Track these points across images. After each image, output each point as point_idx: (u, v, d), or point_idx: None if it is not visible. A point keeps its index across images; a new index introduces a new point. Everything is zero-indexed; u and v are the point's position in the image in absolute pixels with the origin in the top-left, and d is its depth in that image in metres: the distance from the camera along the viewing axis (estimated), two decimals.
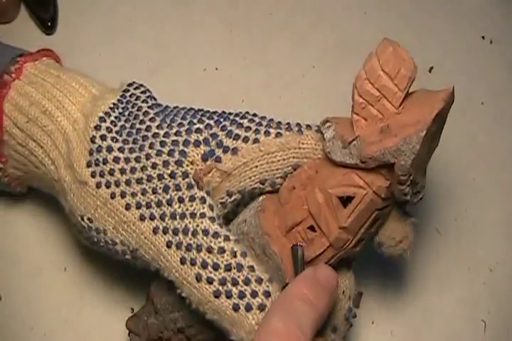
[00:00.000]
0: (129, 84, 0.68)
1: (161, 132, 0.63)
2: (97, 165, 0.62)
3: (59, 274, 0.77)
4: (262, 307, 0.57)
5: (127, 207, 0.61)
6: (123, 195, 0.61)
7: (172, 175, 0.61)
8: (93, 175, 0.62)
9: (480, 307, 0.80)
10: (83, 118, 0.65)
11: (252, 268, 0.58)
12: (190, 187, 0.61)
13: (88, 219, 0.63)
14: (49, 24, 0.89)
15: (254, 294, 0.57)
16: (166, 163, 0.61)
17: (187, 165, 0.61)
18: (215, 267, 0.58)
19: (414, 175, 0.57)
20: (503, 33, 0.95)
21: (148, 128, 0.63)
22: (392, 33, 0.94)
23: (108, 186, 0.62)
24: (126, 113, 0.65)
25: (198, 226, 0.59)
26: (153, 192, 0.61)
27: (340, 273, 0.63)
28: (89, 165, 0.62)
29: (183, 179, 0.61)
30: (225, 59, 0.90)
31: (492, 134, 0.89)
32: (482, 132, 0.89)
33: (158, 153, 0.62)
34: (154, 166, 0.61)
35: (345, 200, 0.58)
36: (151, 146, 0.62)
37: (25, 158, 0.67)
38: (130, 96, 0.67)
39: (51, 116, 0.65)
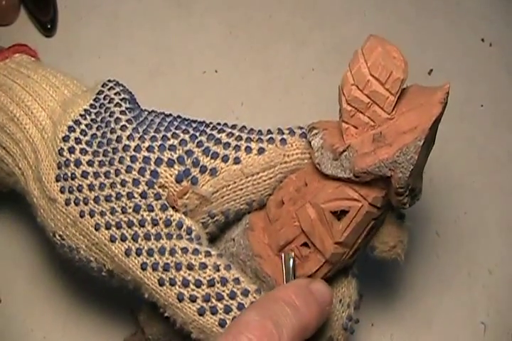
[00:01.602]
0: (103, 85, 0.63)
1: (132, 144, 0.58)
2: (65, 179, 0.58)
3: (58, 276, 0.77)
4: None
5: (96, 227, 0.57)
6: (92, 213, 0.57)
7: (143, 195, 0.57)
8: (62, 190, 0.58)
9: (479, 309, 0.80)
10: (52, 126, 0.61)
11: (237, 281, 0.55)
12: (164, 208, 0.57)
13: (60, 236, 0.59)
14: (49, 26, 0.89)
15: (240, 307, 0.54)
16: (136, 182, 0.57)
17: (159, 187, 0.57)
18: (198, 284, 0.55)
19: (412, 184, 0.54)
20: (502, 35, 0.96)
21: (118, 139, 0.58)
22: (391, 36, 0.94)
23: (77, 203, 0.57)
24: (99, 119, 0.60)
25: (175, 245, 0.56)
26: (123, 212, 0.56)
27: (337, 281, 0.61)
28: (57, 179, 0.58)
29: (156, 200, 0.57)
30: (225, 61, 0.90)
31: (491, 137, 0.90)
32: (481, 135, 0.89)
33: (128, 170, 0.57)
34: (123, 183, 0.57)
35: (339, 213, 0.55)
36: (120, 161, 0.57)
37: None
38: (104, 98, 0.61)
39: (19, 123, 0.61)
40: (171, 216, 0.56)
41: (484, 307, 0.80)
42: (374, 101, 0.53)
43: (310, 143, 0.56)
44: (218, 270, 0.55)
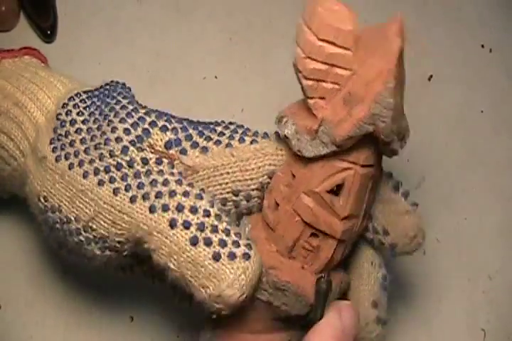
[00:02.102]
0: (111, 81, 0.65)
1: (131, 107, 0.60)
2: (59, 140, 0.59)
3: (59, 282, 0.77)
4: (247, 257, 0.52)
5: (85, 174, 0.57)
6: (81, 163, 0.57)
7: (132, 143, 0.57)
8: (54, 150, 0.59)
9: (479, 315, 0.80)
10: (55, 108, 0.62)
11: (228, 229, 0.53)
12: (159, 162, 0.57)
13: (44, 197, 0.59)
14: (48, 32, 0.89)
15: (236, 244, 0.52)
16: (126, 131, 0.58)
17: (147, 146, 0.57)
18: (193, 210, 0.53)
19: (397, 127, 0.53)
20: (502, 41, 0.96)
21: (117, 103, 0.60)
22: None
23: (67, 158, 0.58)
24: (101, 96, 0.62)
25: (167, 178, 0.55)
26: (111, 156, 0.57)
27: (360, 246, 0.61)
28: (51, 142, 0.59)
29: (145, 149, 0.58)
30: (225, 67, 0.90)
31: (492, 142, 0.90)
32: (482, 140, 0.89)
33: (122, 121, 0.58)
34: (114, 130, 0.58)
35: (336, 189, 0.54)
36: (115, 115, 0.59)
37: None
38: (106, 89, 0.63)
39: (23, 107, 0.63)
40: (163, 161, 0.57)
41: (484, 313, 0.80)
42: (332, 64, 0.52)
43: (280, 135, 0.56)
44: (212, 206, 0.54)
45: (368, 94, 0.50)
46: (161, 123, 0.58)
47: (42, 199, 0.60)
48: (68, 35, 0.90)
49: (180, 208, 0.53)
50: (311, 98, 0.53)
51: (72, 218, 0.58)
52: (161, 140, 0.58)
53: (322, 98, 0.53)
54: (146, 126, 0.58)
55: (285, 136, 0.55)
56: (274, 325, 0.57)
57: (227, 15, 0.94)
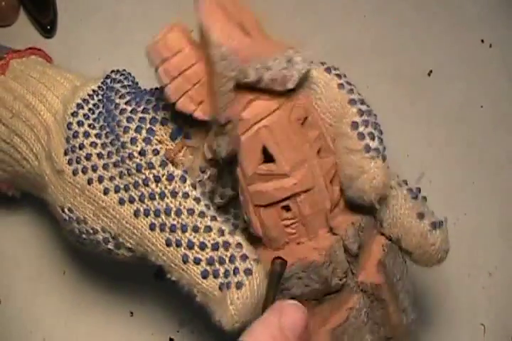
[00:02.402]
0: (112, 71, 0.66)
1: (129, 108, 0.60)
2: (73, 151, 0.60)
3: (58, 278, 0.77)
4: (239, 286, 0.54)
5: (105, 191, 0.58)
6: (100, 179, 0.59)
7: (142, 153, 0.58)
8: (70, 162, 0.60)
9: (479, 311, 0.80)
10: (63, 108, 0.63)
11: (239, 246, 0.55)
12: (163, 164, 0.58)
13: (69, 209, 0.61)
14: (48, 28, 0.89)
15: (236, 271, 0.54)
16: (133, 140, 0.58)
17: (156, 144, 0.58)
18: (202, 246, 0.55)
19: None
20: (502, 36, 0.95)
21: (117, 106, 0.61)
22: (391, 37, 0.95)
23: (84, 172, 0.59)
24: (105, 99, 0.63)
25: (181, 205, 0.56)
26: (129, 174, 0.58)
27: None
28: (66, 153, 0.60)
29: (154, 155, 0.58)
30: None
31: (491, 138, 0.89)
32: (481, 136, 0.89)
33: (126, 130, 0.59)
34: (124, 145, 0.58)
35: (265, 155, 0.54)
36: (119, 124, 0.59)
37: (10, 156, 0.66)
38: (111, 81, 0.64)
39: (34, 109, 0.64)
40: (173, 171, 0.57)
41: (484, 308, 0.80)
42: (182, 74, 0.54)
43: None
44: (223, 234, 0.55)
45: (211, 71, 0.52)
46: (160, 117, 0.59)
47: (67, 211, 0.61)
48: (68, 30, 0.90)
49: (190, 245, 0.55)
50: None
51: (99, 229, 0.59)
52: (165, 134, 0.59)
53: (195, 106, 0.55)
54: (149, 125, 0.59)
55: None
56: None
57: None
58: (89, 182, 0.59)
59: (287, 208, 0.55)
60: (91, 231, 0.60)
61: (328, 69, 0.61)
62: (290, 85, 0.55)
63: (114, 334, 0.75)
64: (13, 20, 0.91)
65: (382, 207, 0.59)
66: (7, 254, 0.78)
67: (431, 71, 0.92)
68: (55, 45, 0.89)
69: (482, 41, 0.95)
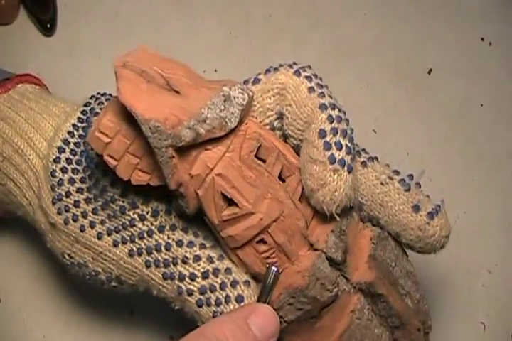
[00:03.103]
0: (91, 97, 0.65)
1: None
2: (60, 200, 0.59)
3: (58, 276, 0.77)
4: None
5: (99, 236, 0.58)
6: (92, 225, 0.58)
7: (123, 195, 0.57)
8: (59, 211, 0.59)
9: (479, 309, 0.80)
10: (48, 150, 0.62)
11: (228, 271, 0.55)
12: (146, 202, 0.57)
13: (68, 255, 0.61)
14: (48, 26, 0.89)
15: (227, 299, 0.54)
16: (113, 183, 0.58)
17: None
18: (192, 277, 0.55)
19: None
20: (502, 34, 0.95)
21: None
22: (391, 35, 0.95)
23: (75, 220, 0.59)
24: (85, 134, 0.61)
25: (169, 238, 0.56)
26: (116, 216, 0.58)
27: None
28: (53, 202, 0.60)
29: (136, 195, 0.57)
30: (225, 61, 0.90)
31: (491, 136, 0.89)
32: (481, 134, 0.89)
33: (105, 174, 0.58)
34: (105, 189, 0.58)
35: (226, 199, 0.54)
36: (97, 166, 0.59)
37: (6, 196, 0.65)
38: (90, 111, 0.63)
39: (23, 154, 0.63)
40: (157, 206, 0.57)
41: (484, 306, 0.80)
42: (126, 153, 0.54)
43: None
44: (212, 262, 0.55)
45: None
46: None
47: (67, 257, 0.61)
48: (68, 28, 0.91)
49: (181, 277, 0.55)
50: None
51: (100, 270, 0.60)
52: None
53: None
54: None
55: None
56: None
57: (227, 9, 0.94)
58: (82, 229, 0.59)
59: (263, 241, 0.54)
60: (93, 273, 0.60)
61: (297, 72, 0.58)
62: (231, 125, 0.54)
63: (114, 333, 0.75)
64: (13, 18, 0.91)
65: (376, 205, 0.58)
66: (7, 252, 0.78)
67: (431, 69, 0.92)
68: (55, 42, 0.89)
69: (482, 39, 0.95)
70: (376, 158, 0.59)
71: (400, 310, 0.57)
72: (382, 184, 0.58)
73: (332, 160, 0.53)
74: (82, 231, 0.59)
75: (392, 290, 0.57)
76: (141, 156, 0.54)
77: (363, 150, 0.60)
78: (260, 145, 0.55)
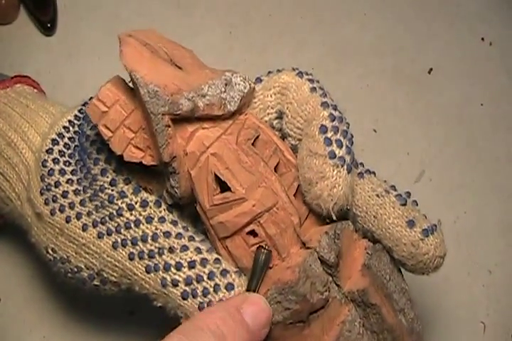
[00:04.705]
0: (90, 98, 0.62)
1: (99, 139, 0.58)
2: (49, 190, 0.59)
3: (58, 277, 0.77)
4: None
5: (84, 227, 0.57)
6: (78, 216, 0.58)
7: (113, 183, 0.57)
8: (46, 202, 0.59)
9: (479, 309, 0.80)
10: (42, 143, 0.62)
11: (217, 261, 0.53)
12: (136, 191, 0.56)
13: (52, 249, 0.60)
14: (48, 26, 0.89)
15: (216, 288, 0.52)
16: (104, 172, 0.57)
17: (128, 174, 0.57)
18: (178, 267, 0.53)
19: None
20: (502, 35, 0.96)
21: (87, 138, 0.59)
22: (391, 36, 0.95)
23: (62, 210, 0.58)
24: (80, 131, 0.61)
25: (157, 229, 0.55)
26: (103, 206, 0.57)
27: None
28: (42, 193, 0.59)
29: (126, 184, 0.57)
30: (224, 61, 0.90)
31: (491, 136, 0.90)
32: (481, 134, 0.89)
33: (96, 162, 0.58)
34: (95, 178, 0.57)
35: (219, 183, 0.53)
36: (89, 156, 0.58)
37: None
38: (83, 115, 0.62)
39: (16, 147, 0.62)
40: (147, 197, 0.56)
41: (484, 306, 0.80)
42: (122, 125, 0.54)
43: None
44: (200, 252, 0.54)
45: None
46: None
47: (50, 251, 0.60)
48: (68, 28, 0.91)
49: (167, 267, 0.54)
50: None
51: (83, 266, 0.58)
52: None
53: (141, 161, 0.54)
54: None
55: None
56: None
57: (227, 10, 0.94)
58: (68, 220, 0.58)
59: (253, 234, 0.53)
60: (75, 269, 0.59)
61: (299, 74, 0.59)
62: (231, 108, 0.54)
63: (113, 333, 0.75)
64: (13, 18, 0.91)
65: (370, 217, 0.57)
66: (7, 253, 0.78)
67: (431, 69, 0.92)
68: (55, 43, 0.89)
69: (482, 39, 0.95)
70: (374, 173, 0.59)
71: (393, 325, 0.55)
72: (377, 196, 0.57)
73: (332, 155, 0.53)
74: (67, 222, 0.58)
75: (386, 302, 0.56)
76: (136, 131, 0.53)
77: (361, 163, 0.59)
78: (258, 137, 0.55)
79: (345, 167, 0.53)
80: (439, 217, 0.81)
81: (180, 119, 0.52)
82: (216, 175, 0.53)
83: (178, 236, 0.55)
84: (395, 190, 0.58)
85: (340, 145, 0.54)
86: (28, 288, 0.77)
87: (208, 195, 0.53)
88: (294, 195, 0.55)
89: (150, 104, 0.51)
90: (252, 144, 0.54)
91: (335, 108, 0.56)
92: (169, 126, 0.51)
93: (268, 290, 0.52)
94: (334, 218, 0.54)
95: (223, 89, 0.54)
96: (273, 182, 0.53)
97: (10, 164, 0.62)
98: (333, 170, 0.53)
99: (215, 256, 0.54)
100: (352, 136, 0.55)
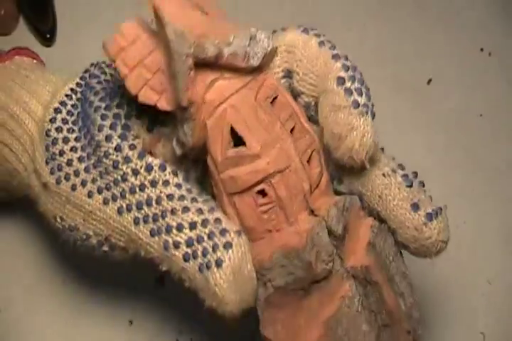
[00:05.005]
0: (91, 64, 0.63)
1: (103, 105, 0.57)
2: (53, 159, 0.58)
3: (58, 286, 0.77)
4: (219, 263, 0.50)
5: (89, 194, 0.57)
6: (84, 183, 0.57)
7: (118, 149, 0.56)
8: (52, 171, 0.58)
9: (479, 319, 0.80)
10: (44, 113, 0.61)
11: (218, 221, 0.52)
12: (141, 156, 0.55)
13: (60, 218, 0.59)
14: (48, 36, 0.89)
15: (215, 248, 0.51)
16: (109, 138, 0.56)
17: (132, 139, 0.56)
18: (179, 228, 0.52)
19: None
20: (501, 45, 0.96)
21: (91, 104, 0.58)
22: (391, 45, 0.95)
23: (67, 179, 0.58)
24: (83, 97, 0.60)
25: (161, 192, 0.54)
26: (108, 172, 0.56)
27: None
28: (47, 162, 0.59)
29: (131, 150, 0.56)
30: None
31: (490, 146, 0.90)
32: (480, 144, 0.90)
33: (100, 128, 0.56)
34: (99, 144, 0.56)
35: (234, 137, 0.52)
36: (93, 123, 0.57)
37: (1, 165, 0.64)
38: (89, 76, 0.62)
39: (19, 119, 0.62)
40: (151, 161, 0.55)
41: (483, 316, 0.80)
42: (141, 63, 0.52)
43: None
44: (202, 213, 0.53)
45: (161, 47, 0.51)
46: (135, 110, 0.58)
47: (59, 220, 0.59)
48: (67, 38, 0.91)
49: (168, 229, 0.53)
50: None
51: (91, 233, 0.58)
52: (142, 126, 0.57)
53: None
54: (124, 120, 0.57)
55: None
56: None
57: (227, 14, 0.94)
58: (73, 188, 0.57)
59: (263, 193, 0.52)
60: (84, 237, 0.59)
61: (305, 30, 0.59)
62: (254, 62, 0.53)
63: (113, 338, 0.75)
64: (12, 28, 0.91)
65: (375, 197, 0.56)
66: (7, 263, 0.78)
67: (430, 79, 0.93)
68: (55, 53, 0.89)
69: (481, 49, 0.95)
70: (382, 149, 0.59)
71: (393, 307, 0.55)
72: (384, 175, 0.57)
73: (356, 104, 0.53)
74: (73, 190, 0.57)
75: (387, 282, 0.55)
76: (154, 72, 0.51)
77: None
78: (276, 98, 0.54)
79: (369, 114, 0.54)
80: None
81: (202, 65, 0.51)
82: (232, 129, 0.52)
83: (181, 198, 0.54)
84: (403, 169, 0.58)
85: (360, 93, 0.54)
86: (27, 298, 0.76)
87: (221, 147, 0.52)
88: (308, 162, 0.54)
89: (175, 43, 0.49)
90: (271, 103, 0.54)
91: (346, 58, 0.56)
92: (192, 69, 0.50)
93: (273, 254, 0.52)
94: (367, 167, 0.54)
95: (247, 43, 0.53)
96: (288, 145, 0.52)
97: (14, 136, 0.62)
98: (360, 119, 0.53)
99: (217, 215, 0.53)
100: (366, 83, 0.55)
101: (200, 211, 0.53)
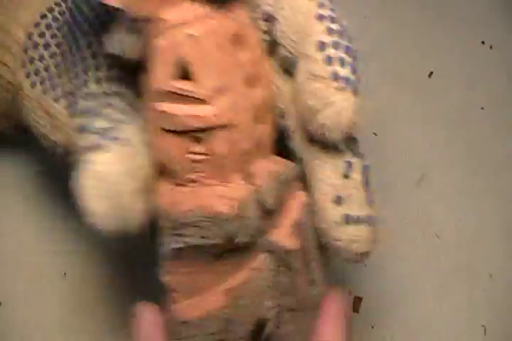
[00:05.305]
0: None
1: (91, 31, 0.54)
2: (31, 63, 0.57)
3: (58, 280, 0.76)
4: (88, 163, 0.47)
5: (56, 99, 0.55)
6: (53, 87, 0.55)
7: (93, 55, 0.53)
8: (28, 75, 0.57)
9: (479, 312, 0.80)
10: (32, 18, 0.59)
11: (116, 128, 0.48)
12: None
13: (34, 126, 0.57)
14: None
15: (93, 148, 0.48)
16: (88, 44, 0.53)
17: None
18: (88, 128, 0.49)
19: None
20: (503, 38, 0.95)
21: (80, 13, 0.55)
22: (391, 38, 0.94)
23: (42, 82, 0.56)
24: (72, 6, 0.56)
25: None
26: (77, 76, 0.53)
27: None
28: (23, 65, 0.57)
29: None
30: None
31: (492, 140, 0.89)
32: (482, 137, 0.89)
33: (85, 35, 0.54)
34: (78, 48, 0.53)
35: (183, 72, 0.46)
36: (80, 29, 0.54)
37: None
38: None
39: (7, 30, 0.59)
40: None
41: (484, 310, 0.80)
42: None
43: None
44: (108, 94, 0.51)
45: None
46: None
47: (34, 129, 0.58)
48: None
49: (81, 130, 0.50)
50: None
51: (55, 138, 0.56)
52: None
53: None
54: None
55: None
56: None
57: None
58: (44, 91, 0.56)
59: (198, 140, 0.47)
60: (53, 145, 0.57)
61: None
62: None
63: (115, 338, 0.75)
64: None
65: (309, 170, 0.51)
66: (7, 256, 0.78)
67: (431, 73, 0.92)
68: None
69: (483, 43, 0.95)
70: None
71: (303, 295, 0.51)
72: (324, 152, 0.50)
73: (335, 76, 0.47)
74: (44, 93, 0.55)
75: (303, 270, 0.51)
76: None
77: None
78: (244, 38, 0.48)
79: (350, 89, 0.47)
80: (439, 219, 0.82)
81: None
82: (183, 60, 0.46)
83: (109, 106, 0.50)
84: (355, 154, 0.51)
85: (342, 63, 0.48)
86: (27, 291, 0.76)
87: (163, 76, 0.46)
88: (258, 120, 0.49)
89: None
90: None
91: (333, 20, 0.51)
92: None
93: (193, 211, 0.47)
94: (341, 148, 0.49)
95: None
96: (239, 97, 0.47)
97: (4, 48, 0.60)
98: (338, 94, 0.47)
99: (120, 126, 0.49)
100: (356, 53, 0.51)
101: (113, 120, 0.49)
